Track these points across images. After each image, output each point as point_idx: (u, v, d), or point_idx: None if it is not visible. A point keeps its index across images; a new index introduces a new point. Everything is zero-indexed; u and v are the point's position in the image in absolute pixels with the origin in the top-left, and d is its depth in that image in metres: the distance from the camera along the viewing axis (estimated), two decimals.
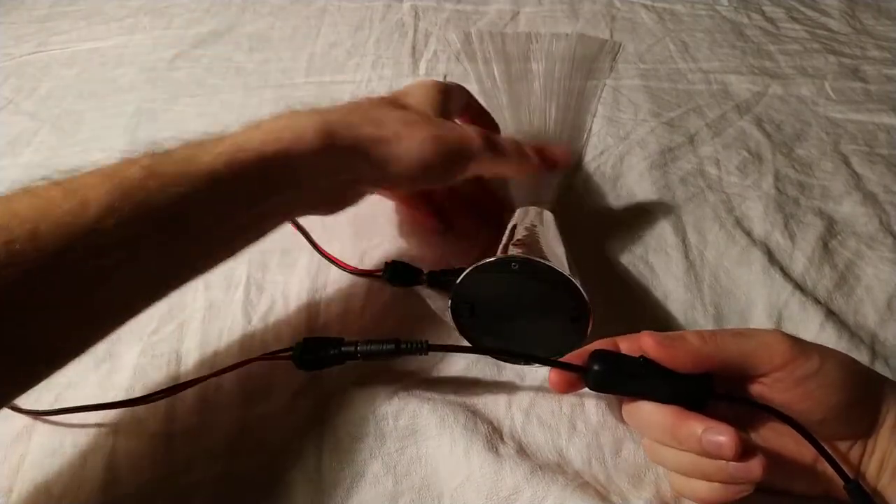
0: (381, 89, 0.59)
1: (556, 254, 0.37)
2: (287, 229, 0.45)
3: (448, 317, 0.37)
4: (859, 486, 0.29)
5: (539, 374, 0.37)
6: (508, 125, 0.55)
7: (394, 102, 0.37)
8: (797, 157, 0.54)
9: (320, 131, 0.32)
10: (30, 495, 0.33)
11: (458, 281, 0.36)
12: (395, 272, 0.42)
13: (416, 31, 0.67)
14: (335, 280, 0.43)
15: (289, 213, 0.35)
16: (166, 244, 0.28)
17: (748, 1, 0.75)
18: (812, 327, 0.40)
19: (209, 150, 0.29)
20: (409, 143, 0.34)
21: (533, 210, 0.43)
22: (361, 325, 0.40)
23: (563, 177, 0.50)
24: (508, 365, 0.38)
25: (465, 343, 0.38)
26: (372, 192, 0.40)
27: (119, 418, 0.35)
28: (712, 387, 0.30)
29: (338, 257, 0.44)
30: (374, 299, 0.42)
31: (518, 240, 0.38)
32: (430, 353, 0.38)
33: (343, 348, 0.34)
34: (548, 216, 0.43)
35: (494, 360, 0.38)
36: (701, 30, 0.70)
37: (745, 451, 0.27)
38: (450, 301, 0.37)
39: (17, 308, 0.23)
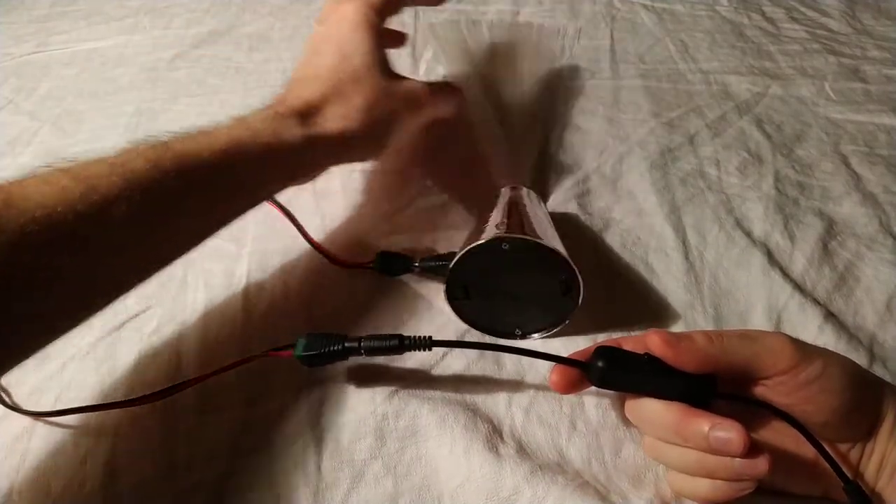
0: None
1: (545, 230, 0.38)
2: (286, 229, 0.46)
3: (443, 301, 0.38)
4: (858, 488, 0.29)
5: (540, 371, 0.37)
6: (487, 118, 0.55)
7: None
8: (797, 157, 0.54)
9: (300, 136, 0.37)
10: (30, 495, 0.33)
11: (451, 265, 0.37)
12: (385, 262, 0.42)
13: (416, 31, 0.67)
14: (334, 278, 0.43)
15: (275, 191, 0.40)
16: (169, 225, 0.32)
17: (748, 1, 0.75)
18: (811, 328, 0.40)
19: (204, 146, 0.33)
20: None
21: (519, 189, 0.45)
22: (363, 321, 0.40)
23: (535, 157, 0.52)
24: (509, 363, 0.38)
25: (465, 337, 0.39)
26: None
27: (119, 418, 0.35)
28: (716, 386, 0.30)
29: (334, 253, 0.44)
30: (374, 295, 0.42)
31: (506, 219, 0.39)
32: (429, 351, 0.38)
33: (346, 344, 0.34)
34: (532, 195, 0.45)
35: (495, 359, 0.38)
36: (701, 30, 0.70)
37: (752, 447, 0.27)
38: (444, 285, 0.38)
39: (26, 284, 0.26)
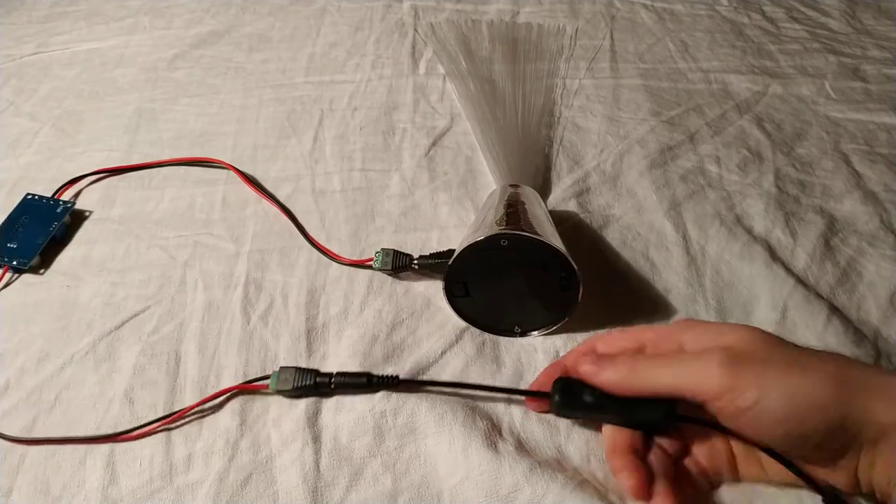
0: (380, 89, 0.59)
1: (543, 227, 0.38)
2: (286, 229, 0.46)
3: (442, 298, 0.39)
4: (837, 498, 0.28)
5: (539, 368, 0.37)
6: (487, 117, 0.55)
7: None
8: (797, 155, 0.54)
9: None
10: (30, 495, 0.33)
11: (450, 262, 0.37)
12: (385, 260, 0.42)
13: (415, 31, 0.67)
14: (333, 278, 0.43)
15: None
16: None
17: (748, 1, 0.75)
18: (819, 320, 0.40)
19: None
20: None
21: (518, 187, 0.45)
22: (361, 321, 0.40)
23: (542, 156, 0.52)
24: (508, 362, 0.38)
25: (464, 334, 0.39)
26: None
27: (118, 419, 0.35)
28: (674, 410, 0.30)
29: (334, 252, 0.44)
30: (373, 294, 0.42)
31: (504, 216, 0.39)
32: (428, 350, 0.38)
33: (318, 380, 0.36)
34: (530, 192, 0.45)
35: (493, 357, 0.38)
36: (701, 29, 0.70)
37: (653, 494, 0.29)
38: (443, 283, 0.38)
39: None
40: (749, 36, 0.69)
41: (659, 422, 0.31)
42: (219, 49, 0.64)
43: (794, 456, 0.29)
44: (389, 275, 0.43)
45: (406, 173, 0.51)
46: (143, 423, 0.35)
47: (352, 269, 0.43)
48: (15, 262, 0.43)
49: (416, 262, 0.42)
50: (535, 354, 0.38)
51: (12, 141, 0.54)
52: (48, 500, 0.32)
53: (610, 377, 0.30)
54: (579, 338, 0.39)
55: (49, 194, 0.48)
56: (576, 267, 0.35)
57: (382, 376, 0.36)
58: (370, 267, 0.43)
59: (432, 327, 0.40)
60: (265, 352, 0.38)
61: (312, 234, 0.46)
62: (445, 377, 0.37)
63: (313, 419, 0.35)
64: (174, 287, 0.42)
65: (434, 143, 0.53)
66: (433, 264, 0.41)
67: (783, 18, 0.72)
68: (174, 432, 0.35)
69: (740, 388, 0.27)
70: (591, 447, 0.34)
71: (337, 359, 0.38)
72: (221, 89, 0.59)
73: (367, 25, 0.68)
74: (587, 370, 0.31)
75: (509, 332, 0.39)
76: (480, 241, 0.36)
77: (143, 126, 0.55)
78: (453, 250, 0.37)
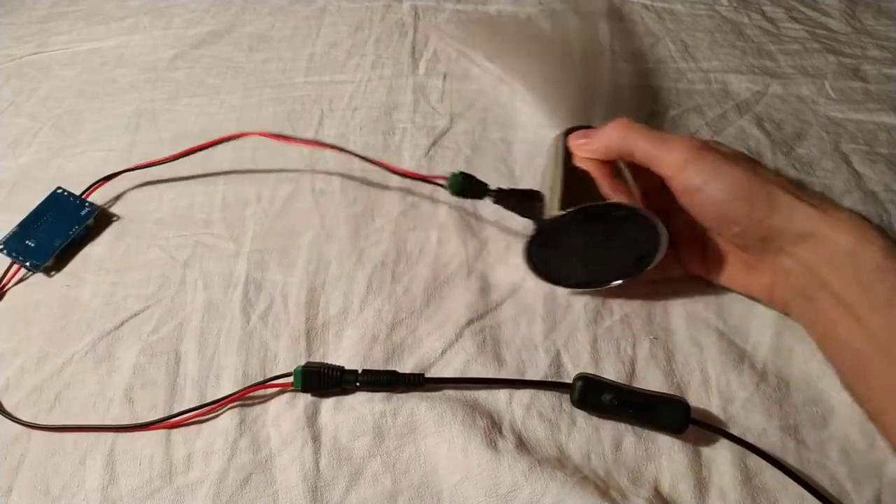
0: (381, 89, 0.59)
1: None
2: (286, 229, 0.46)
3: (523, 243, 0.38)
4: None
5: (541, 368, 0.38)
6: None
7: None
8: (797, 155, 0.54)
9: None
10: (30, 495, 0.33)
11: (556, 215, 0.36)
12: (462, 182, 0.39)
13: (416, 31, 0.67)
14: (333, 278, 0.43)
15: None
16: None
17: (748, 1, 0.75)
18: None
19: None
20: None
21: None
22: (360, 321, 0.40)
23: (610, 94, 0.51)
24: (509, 359, 0.38)
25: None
26: None
27: (118, 418, 0.35)
28: (689, 413, 0.33)
29: (335, 257, 0.44)
30: (372, 295, 0.42)
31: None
32: (428, 349, 0.38)
33: (344, 377, 0.36)
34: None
35: (495, 356, 0.38)
36: (701, 29, 0.70)
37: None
38: (534, 228, 0.37)
39: None
40: (749, 36, 0.69)
41: (675, 425, 0.33)
42: (219, 49, 0.64)
43: (727, 244, 0.37)
44: (456, 196, 0.40)
45: None
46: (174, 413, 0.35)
47: (353, 266, 0.43)
48: (28, 263, 0.43)
49: (493, 192, 0.39)
50: (537, 353, 0.38)
51: (12, 141, 0.54)
52: (48, 500, 0.32)
53: (600, 137, 0.37)
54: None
55: (76, 192, 0.47)
56: (663, 246, 0.36)
57: (407, 374, 0.36)
58: (440, 185, 0.40)
59: (432, 326, 0.40)
60: (265, 351, 0.39)
61: (312, 233, 0.46)
62: (446, 376, 0.37)
63: (313, 419, 0.35)
64: (174, 287, 0.42)
65: (434, 143, 0.53)
66: (513, 202, 0.38)
67: (783, 18, 0.72)
68: (174, 432, 0.35)
69: (696, 169, 0.34)
70: (592, 444, 0.34)
71: (337, 360, 0.38)
72: (221, 89, 0.59)
73: (367, 25, 0.68)
74: (575, 137, 0.38)
75: (574, 286, 0.40)
76: (599, 204, 0.35)
77: (143, 126, 0.55)
78: (533, 190, 0.37)
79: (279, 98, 0.58)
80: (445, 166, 0.51)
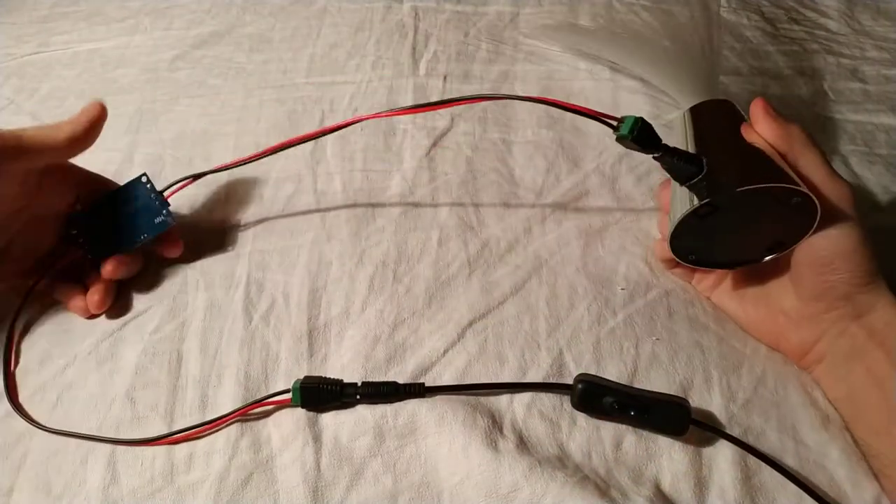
0: (381, 90, 0.59)
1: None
2: (286, 229, 0.46)
3: (683, 210, 0.35)
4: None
5: (542, 368, 0.38)
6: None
7: None
8: None
9: None
10: (31, 494, 0.33)
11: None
12: (638, 128, 0.34)
13: (416, 31, 0.67)
14: (335, 278, 0.43)
15: None
16: None
17: (747, 2, 0.75)
18: None
19: None
20: None
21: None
22: (362, 321, 0.40)
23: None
24: (511, 358, 0.38)
25: None
26: None
27: (119, 418, 0.35)
28: (690, 414, 0.33)
29: (337, 257, 0.44)
30: (374, 294, 0.42)
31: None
32: (430, 349, 0.38)
33: (344, 391, 0.35)
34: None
35: (497, 356, 0.38)
36: None
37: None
38: (694, 197, 0.35)
39: None
40: (748, 37, 0.69)
41: (675, 427, 0.34)
42: (219, 50, 0.64)
43: (808, 293, 0.36)
44: (622, 141, 0.35)
45: (406, 173, 0.51)
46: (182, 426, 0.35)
47: (355, 266, 0.43)
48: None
49: (662, 147, 0.35)
50: (539, 352, 0.39)
51: None
52: (49, 500, 0.32)
53: (788, 127, 0.37)
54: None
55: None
56: (804, 234, 0.34)
57: (408, 385, 0.36)
58: (610, 125, 0.36)
59: (434, 326, 0.40)
60: (266, 352, 0.39)
61: (311, 232, 0.46)
62: (448, 376, 0.37)
63: (314, 419, 0.35)
64: (176, 287, 0.42)
65: (434, 144, 0.54)
66: (678, 162, 0.35)
67: (782, 19, 0.72)
68: (177, 427, 0.35)
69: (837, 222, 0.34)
70: (593, 443, 0.34)
71: (339, 360, 0.38)
72: (222, 90, 0.59)
73: (368, 26, 0.68)
74: (759, 105, 0.39)
75: (726, 264, 0.39)
76: (778, 186, 0.33)
77: (143, 126, 0.55)
78: (699, 157, 0.34)
79: (280, 99, 0.58)
80: (446, 167, 0.52)
